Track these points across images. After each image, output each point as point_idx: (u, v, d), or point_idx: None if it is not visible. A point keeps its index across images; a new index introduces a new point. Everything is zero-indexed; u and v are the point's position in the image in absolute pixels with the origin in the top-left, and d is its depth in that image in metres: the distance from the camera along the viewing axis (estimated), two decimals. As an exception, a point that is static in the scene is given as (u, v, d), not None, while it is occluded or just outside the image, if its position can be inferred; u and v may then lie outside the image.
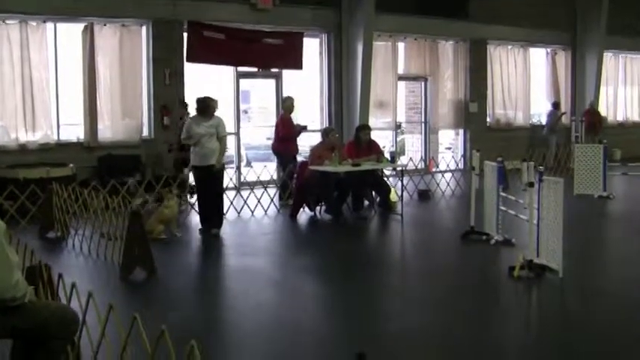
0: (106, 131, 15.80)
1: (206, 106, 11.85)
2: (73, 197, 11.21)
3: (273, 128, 15.93)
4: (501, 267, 9.15)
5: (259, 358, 6.26)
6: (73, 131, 15.76)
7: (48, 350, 4.65)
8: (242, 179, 16.71)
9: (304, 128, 15.71)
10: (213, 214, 12.04)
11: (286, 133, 15.26)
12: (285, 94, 17.58)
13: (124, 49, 15.89)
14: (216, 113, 12.03)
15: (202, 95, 12.03)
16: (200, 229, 12.04)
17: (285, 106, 15.65)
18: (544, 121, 23.69)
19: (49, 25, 15.12)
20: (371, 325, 7.16)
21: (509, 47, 23.17)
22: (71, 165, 14.26)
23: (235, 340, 6.76)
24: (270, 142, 16.13)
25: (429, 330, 7.01)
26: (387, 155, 14.89)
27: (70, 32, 15.55)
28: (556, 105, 23.41)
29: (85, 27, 15.44)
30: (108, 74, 15.78)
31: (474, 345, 6.52)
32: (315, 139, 15.39)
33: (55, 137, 15.31)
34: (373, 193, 14.49)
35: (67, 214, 11.19)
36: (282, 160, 15.55)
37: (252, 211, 13.81)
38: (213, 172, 11.81)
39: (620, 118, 27.27)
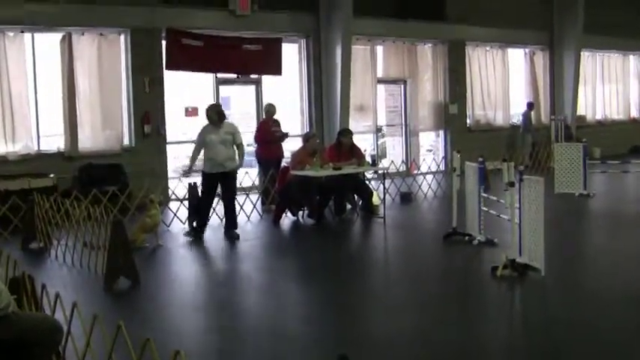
0: (87, 141, 15.74)
1: (206, 115, 12.21)
2: (55, 208, 11.19)
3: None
4: (484, 267, 9.20)
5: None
6: (54, 141, 15.68)
7: (33, 360, 4.65)
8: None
9: (285, 135, 15.73)
10: (230, 217, 12.31)
11: (261, 137, 15.33)
12: (265, 100, 17.67)
13: (103, 59, 15.85)
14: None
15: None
16: (189, 232, 12.27)
17: (267, 111, 15.78)
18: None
19: (27, 36, 15.07)
20: (354, 328, 7.18)
21: (488, 48, 23.28)
22: (52, 175, 14.22)
23: (219, 347, 6.76)
24: (251, 147, 16.17)
25: (413, 331, 7.03)
26: (368, 158, 14.92)
27: (48, 42, 15.51)
28: (530, 105, 23.60)
29: (63, 37, 15.40)
30: (87, 84, 15.73)
31: (458, 346, 6.55)
32: (296, 144, 15.40)
33: (36, 148, 15.24)
34: (355, 196, 14.52)
35: (49, 224, 11.16)
36: (261, 165, 15.60)
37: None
38: (228, 177, 12.11)
39: (599, 116, 27.47)
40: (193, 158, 12.50)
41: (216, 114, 12.04)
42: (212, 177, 12.08)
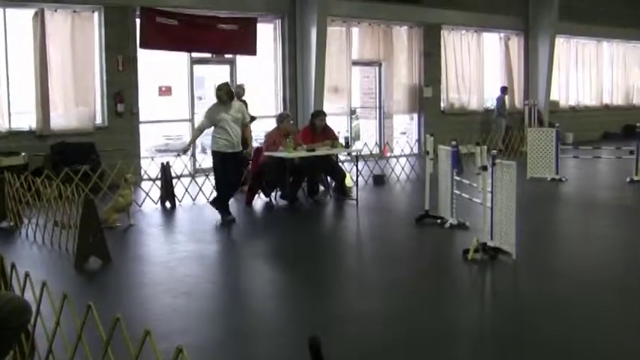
0: (59, 119, 15.63)
1: (216, 95, 11.93)
2: (26, 186, 11.10)
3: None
4: (456, 250, 9.25)
5: (214, 343, 6.26)
6: (25, 119, 15.53)
7: (1, 340, 4.61)
8: (197, 166, 16.61)
9: (252, 118, 15.62)
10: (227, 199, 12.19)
11: None
12: (239, 80, 17.62)
13: (76, 36, 15.71)
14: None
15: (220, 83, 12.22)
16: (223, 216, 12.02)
17: (236, 93, 15.65)
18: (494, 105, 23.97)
19: (-2, 11, 14.93)
20: (326, 310, 7.19)
21: (463, 32, 23.33)
22: (23, 154, 14.11)
23: (190, 326, 6.75)
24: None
25: (385, 313, 7.05)
26: (342, 140, 14.91)
27: (20, 18, 15.33)
28: (504, 89, 23.71)
29: (36, 13, 15.23)
30: (60, 61, 15.59)
31: (429, 328, 6.58)
32: (270, 125, 15.36)
33: (7, 126, 15.09)
34: (328, 178, 14.54)
35: (20, 203, 11.07)
36: None
37: (207, 198, 13.77)
38: (237, 159, 11.98)
39: (572, 102, 27.65)
40: (195, 137, 12.56)
41: (226, 94, 11.79)
42: (229, 156, 11.80)
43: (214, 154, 12.01)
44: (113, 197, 11.68)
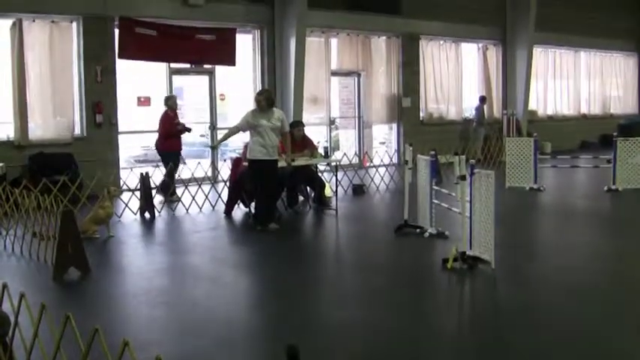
0: (37, 129, 15.56)
1: (255, 100, 12.00)
2: (4, 197, 11.04)
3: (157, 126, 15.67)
4: (435, 259, 9.27)
5: (192, 354, 6.24)
6: (3, 130, 15.45)
7: (-21, 352, 4.59)
8: (176, 176, 16.55)
9: (188, 130, 15.57)
10: (273, 208, 12.30)
11: (169, 130, 15.22)
12: (219, 91, 17.61)
13: (54, 46, 15.66)
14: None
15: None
16: (258, 227, 12.01)
17: (169, 104, 15.53)
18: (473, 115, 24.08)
19: (-24, 22, 14.85)
20: (305, 319, 7.18)
21: (442, 42, 23.43)
22: (1, 164, 14.03)
23: (168, 337, 6.73)
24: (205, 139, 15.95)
25: (363, 323, 7.05)
26: (321, 150, 14.94)
27: (-2, 28, 15.29)
28: (483, 99, 23.81)
29: (14, 23, 15.16)
30: (38, 71, 15.52)
31: (409, 337, 6.59)
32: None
33: (-16, 136, 15.05)
34: (307, 188, 14.54)
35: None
36: (165, 158, 15.30)
37: (186, 209, 13.74)
38: (273, 167, 11.95)
39: (550, 111, 27.82)
40: (228, 135, 12.52)
41: (265, 100, 11.76)
42: (264, 163, 11.78)
43: (250, 163, 12.03)
44: (92, 208, 11.64)
